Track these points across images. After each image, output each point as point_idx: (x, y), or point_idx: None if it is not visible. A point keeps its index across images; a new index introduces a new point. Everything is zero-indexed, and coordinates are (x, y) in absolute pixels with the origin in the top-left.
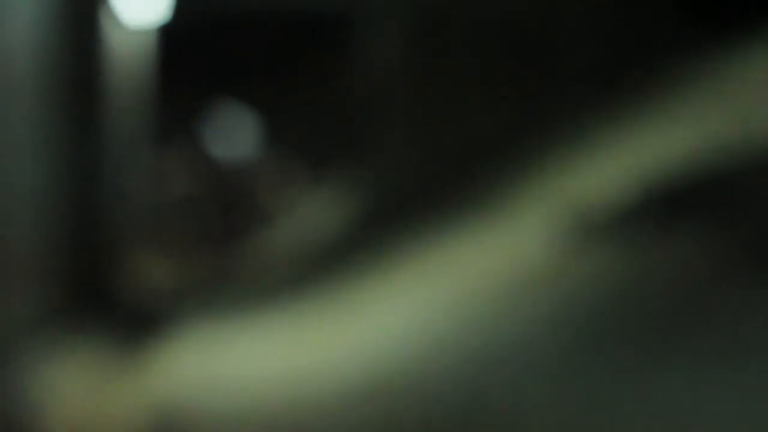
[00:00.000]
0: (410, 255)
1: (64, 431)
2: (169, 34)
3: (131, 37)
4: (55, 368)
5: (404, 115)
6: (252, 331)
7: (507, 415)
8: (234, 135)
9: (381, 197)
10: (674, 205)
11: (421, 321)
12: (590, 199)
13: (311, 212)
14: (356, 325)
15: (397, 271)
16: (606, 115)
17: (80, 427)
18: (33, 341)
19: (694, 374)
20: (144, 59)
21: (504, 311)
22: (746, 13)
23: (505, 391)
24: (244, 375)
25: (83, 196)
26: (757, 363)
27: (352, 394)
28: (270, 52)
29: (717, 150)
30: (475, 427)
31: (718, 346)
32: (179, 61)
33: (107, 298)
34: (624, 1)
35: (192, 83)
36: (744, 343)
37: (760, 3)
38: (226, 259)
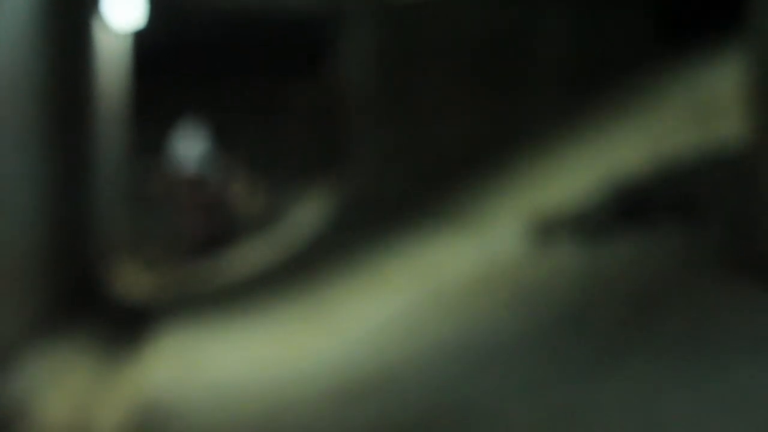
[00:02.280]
0: (387, 258)
1: (56, 427)
2: (149, 40)
3: (117, 40)
4: (46, 367)
5: (379, 124)
6: (233, 333)
7: (483, 406)
8: (211, 143)
9: (357, 205)
10: (636, 207)
11: (401, 320)
12: (556, 203)
13: (289, 219)
14: (335, 326)
15: (375, 274)
16: (573, 124)
17: (71, 422)
18: (26, 342)
19: (655, 363)
20: (128, 61)
21: (476, 308)
22: (713, 29)
23: (480, 381)
24: (225, 374)
25: (72, 203)
26: (716, 353)
27: (331, 391)
28: (250, 60)
29: (680, 155)
30: (453, 418)
31: (678, 338)
32: (159, 67)
33: (96, 302)
34: (596, 15)
35: (168, 92)
36: (703, 335)
37: (725, 20)
38: (208, 264)
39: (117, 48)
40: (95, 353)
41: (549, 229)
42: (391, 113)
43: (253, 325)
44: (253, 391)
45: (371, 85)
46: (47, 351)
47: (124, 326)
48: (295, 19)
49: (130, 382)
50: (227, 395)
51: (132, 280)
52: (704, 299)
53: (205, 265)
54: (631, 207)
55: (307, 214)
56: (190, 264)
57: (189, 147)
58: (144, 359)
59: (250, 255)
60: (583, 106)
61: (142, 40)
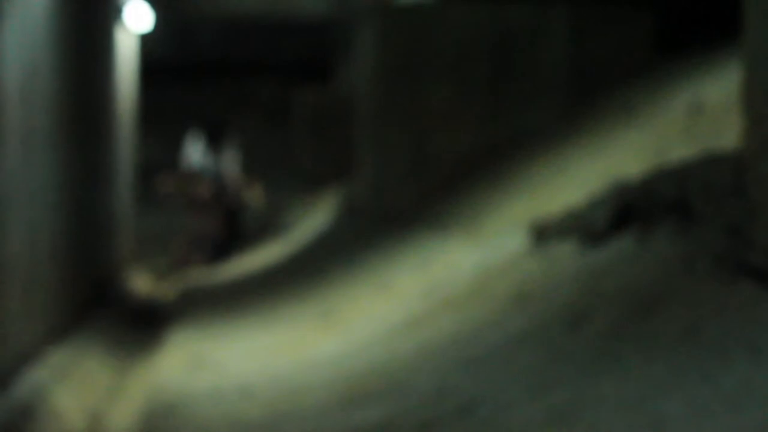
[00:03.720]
0: (390, 262)
1: (70, 425)
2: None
3: (131, 41)
4: (60, 367)
5: (384, 130)
6: (241, 333)
7: (485, 405)
8: (222, 146)
9: (362, 208)
10: (635, 210)
11: (404, 323)
12: (556, 205)
13: (295, 222)
14: (340, 327)
15: (378, 277)
16: (574, 129)
17: (84, 420)
18: (43, 343)
19: (653, 363)
20: (138, 63)
21: (478, 310)
22: (711, 36)
23: (482, 381)
24: (232, 373)
25: (92, 205)
26: (714, 354)
27: (336, 392)
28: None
29: (679, 160)
30: (456, 418)
31: (676, 339)
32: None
33: (110, 302)
34: (599, 30)
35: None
36: (702, 336)
37: (724, 27)
38: (219, 264)
39: (130, 50)
40: (108, 353)
41: (549, 232)
42: (396, 119)
43: (260, 326)
44: (260, 390)
45: (376, 92)
46: (62, 350)
47: (136, 326)
48: (302, 26)
49: (141, 381)
50: (235, 395)
51: (144, 281)
52: (702, 301)
53: (216, 265)
54: (630, 210)
55: (313, 219)
56: (202, 264)
57: (201, 150)
58: (155, 359)
59: (259, 256)
60: (583, 111)
61: (150, 43)
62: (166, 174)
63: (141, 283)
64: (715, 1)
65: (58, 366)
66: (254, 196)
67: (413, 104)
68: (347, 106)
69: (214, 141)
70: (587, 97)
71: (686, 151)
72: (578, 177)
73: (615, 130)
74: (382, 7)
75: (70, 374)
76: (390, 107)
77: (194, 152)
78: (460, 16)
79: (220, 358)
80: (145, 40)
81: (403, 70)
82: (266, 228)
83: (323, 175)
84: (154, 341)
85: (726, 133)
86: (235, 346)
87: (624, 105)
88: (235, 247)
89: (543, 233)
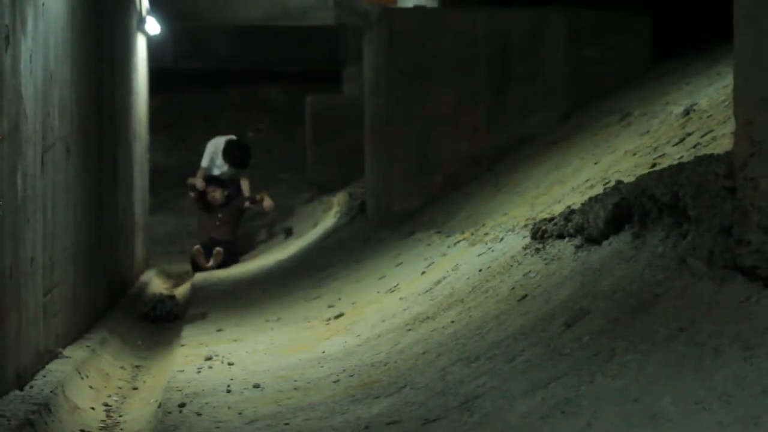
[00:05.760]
0: (392, 263)
1: (86, 423)
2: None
3: (146, 45)
4: (77, 365)
5: (389, 134)
6: (251, 332)
7: (485, 401)
8: (235, 150)
9: (371, 212)
10: (631, 211)
11: (406, 322)
12: (554, 206)
13: (302, 225)
14: (344, 327)
15: (380, 277)
16: (572, 131)
17: (100, 418)
18: (61, 343)
19: (650, 361)
20: (148, 67)
21: (478, 309)
22: (706, 50)
23: (482, 378)
24: (242, 371)
25: (113, 208)
26: (707, 352)
27: (340, 390)
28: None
29: (674, 163)
30: (457, 414)
31: (671, 337)
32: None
33: (125, 302)
34: (597, 35)
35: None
36: (696, 334)
37: (719, 35)
38: (230, 264)
39: (143, 55)
40: (125, 350)
41: (548, 233)
42: (400, 122)
43: (270, 323)
44: (269, 385)
45: (380, 96)
46: (80, 349)
47: (151, 324)
48: (313, 32)
49: (156, 376)
50: (245, 389)
51: (159, 281)
52: (696, 298)
53: (228, 266)
54: (625, 211)
55: (322, 221)
56: (213, 264)
57: (214, 154)
58: (169, 355)
59: (269, 257)
60: (581, 114)
61: (162, 49)
62: (195, 178)
63: (156, 282)
64: (711, 6)
65: (77, 363)
66: (266, 204)
67: (417, 108)
68: (357, 111)
69: (241, 160)
70: (585, 101)
71: (681, 153)
72: (576, 179)
73: (612, 133)
74: (386, 13)
75: (87, 371)
76: (394, 111)
77: (214, 161)
78: (461, 21)
79: (231, 354)
80: (157, 45)
81: (406, 74)
82: (276, 230)
83: (333, 179)
84: (168, 338)
85: (720, 136)
86: (246, 342)
87: (621, 109)
88: (240, 249)
89: (542, 234)
